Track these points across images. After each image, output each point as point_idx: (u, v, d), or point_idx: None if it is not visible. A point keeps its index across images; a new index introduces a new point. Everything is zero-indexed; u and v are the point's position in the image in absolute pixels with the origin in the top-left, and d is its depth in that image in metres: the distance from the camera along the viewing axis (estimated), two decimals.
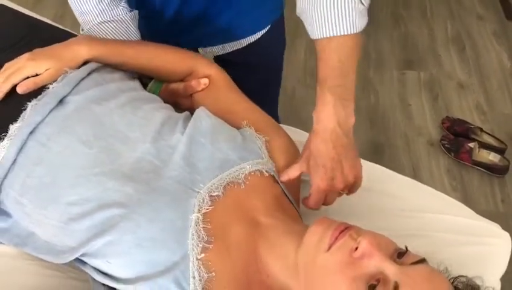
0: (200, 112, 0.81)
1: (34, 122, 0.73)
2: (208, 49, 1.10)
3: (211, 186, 0.71)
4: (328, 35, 0.73)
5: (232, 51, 1.09)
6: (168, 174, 0.72)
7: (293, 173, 0.79)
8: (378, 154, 1.88)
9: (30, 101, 0.76)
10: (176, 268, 0.64)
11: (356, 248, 0.61)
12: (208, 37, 1.06)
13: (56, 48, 0.82)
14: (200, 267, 0.65)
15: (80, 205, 0.68)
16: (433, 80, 2.18)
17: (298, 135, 0.91)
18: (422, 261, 0.63)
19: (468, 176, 1.84)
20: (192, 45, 1.04)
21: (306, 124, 0.84)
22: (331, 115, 0.72)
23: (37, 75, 0.78)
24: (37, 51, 0.80)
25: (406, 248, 0.64)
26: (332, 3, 0.72)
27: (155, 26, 1.01)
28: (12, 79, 0.77)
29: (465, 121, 1.98)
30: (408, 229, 0.85)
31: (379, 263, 0.60)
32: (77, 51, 0.82)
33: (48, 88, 0.78)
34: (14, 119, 0.74)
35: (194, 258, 0.65)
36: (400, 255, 0.63)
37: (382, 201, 0.89)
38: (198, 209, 0.68)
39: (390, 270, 0.60)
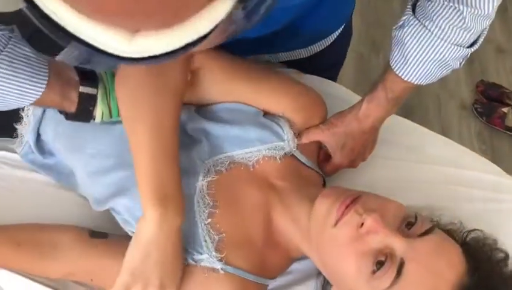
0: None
1: None
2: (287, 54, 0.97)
3: (216, 161, 0.72)
4: (414, 82, 0.71)
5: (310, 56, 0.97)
6: (180, 138, 0.72)
7: (313, 137, 0.80)
8: (408, 115, 1.85)
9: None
10: (186, 233, 0.66)
11: (362, 224, 0.61)
12: (291, 44, 0.93)
13: (174, 267, 0.64)
14: (209, 231, 0.67)
15: (99, 159, 0.72)
16: None
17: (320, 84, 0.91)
18: (431, 230, 0.62)
19: (499, 141, 1.81)
20: (272, 52, 0.92)
21: None
22: (380, 116, 0.78)
23: None
24: (166, 281, 0.64)
25: (416, 217, 0.63)
26: (438, 59, 0.68)
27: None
28: None
29: (501, 85, 1.93)
30: (430, 182, 0.85)
31: (385, 239, 0.60)
32: (175, 232, 0.64)
33: None
34: None
35: (202, 224, 0.67)
36: (409, 224, 0.62)
37: (405, 153, 0.89)
38: (203, 177, 0.70)
39: (396, 245, 0.59)
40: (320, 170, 0.82)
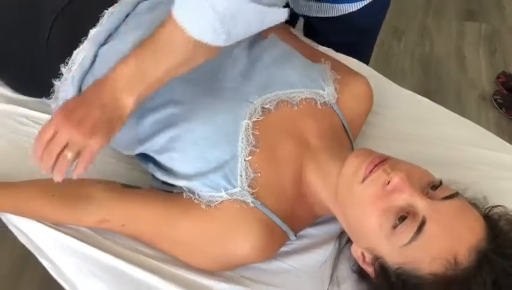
0: (275, 38, 0.85)
1: (110, 28, 0.80)
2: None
3: (265, 99, 0.76)
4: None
5: (327, 17, 0.98)
6: (226, 84, 0.77)
7: None
8: None
9: (107, 9, 0.82)
10: (226, 166, 0.71)
11: (389, 182, 0.63)
12: None
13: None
14: (247, 167, 0.71)
15: (150, 98, 0.73)
16: (493, 33, 2.11)
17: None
18: (454, 195, 0.64)
19: None
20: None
21: None
22: None
23: None
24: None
25: (441, 181, 0.65)
26: None
27: None
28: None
29: None
30: (450, 160, 0.86)
31: (409, 197, 0.62)
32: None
33: None
34: (93, 24, 0.81)
35: (242, 159, 0.71)
36: (433, 187, 0.64)
37: (426, 131, 0.91)
38: (249, 117, 0.74)
39: (420, 204, 0.61)
40: (354, 140, 0.83)
